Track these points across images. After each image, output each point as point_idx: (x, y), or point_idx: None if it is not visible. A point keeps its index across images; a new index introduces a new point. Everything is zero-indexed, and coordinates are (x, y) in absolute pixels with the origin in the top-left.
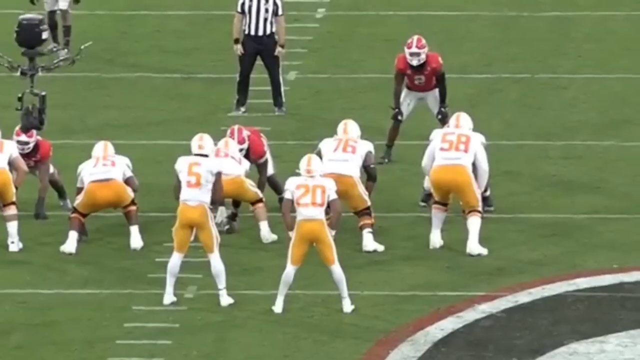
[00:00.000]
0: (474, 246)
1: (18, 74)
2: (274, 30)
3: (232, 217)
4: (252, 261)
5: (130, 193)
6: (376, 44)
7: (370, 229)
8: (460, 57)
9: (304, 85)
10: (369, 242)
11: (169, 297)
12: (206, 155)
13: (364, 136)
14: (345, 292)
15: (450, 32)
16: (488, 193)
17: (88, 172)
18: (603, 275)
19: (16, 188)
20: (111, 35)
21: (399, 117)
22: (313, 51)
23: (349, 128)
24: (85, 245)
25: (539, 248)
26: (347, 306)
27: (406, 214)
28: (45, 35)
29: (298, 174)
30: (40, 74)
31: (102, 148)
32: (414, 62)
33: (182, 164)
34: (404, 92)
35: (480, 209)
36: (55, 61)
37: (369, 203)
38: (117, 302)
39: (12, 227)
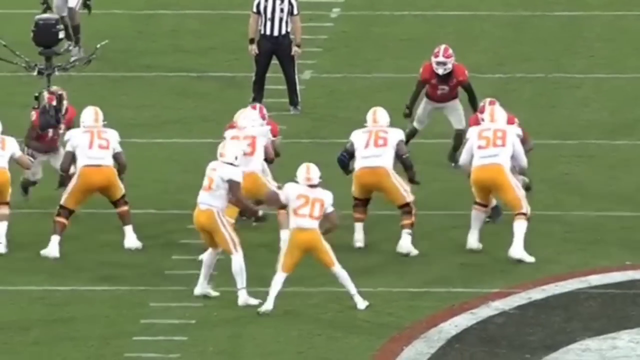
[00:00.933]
0: (516, 251)
1: (35, 73)
2: (289, 30)
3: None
4: (269, 259)
5: (121, 186)
6: (390, 44)
7: (409, 230)
8: (473, 57)
9: (318, 85)
10: (404, 244)
11: (198, 289)
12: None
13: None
14: (353, 289)
15: (464, 32)
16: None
17: (84, 153)
18: (615, 272)
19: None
20: (128, 35)
21: (410, 120)
22: (328, 50)
23: (378, 116)
24: (101, 243)
25: (552, 245)
26: (360, 303)
27: (420, 212)
28: (61, 35)
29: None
30: (56, 73)
31: (93, 117)
32: (440, 71)
33: (207, 168)
34: (424, 101)
35: (525, 210)
36: (71, 60)
37: (407, 199)
38: (133, 298)
39: (2, 227)
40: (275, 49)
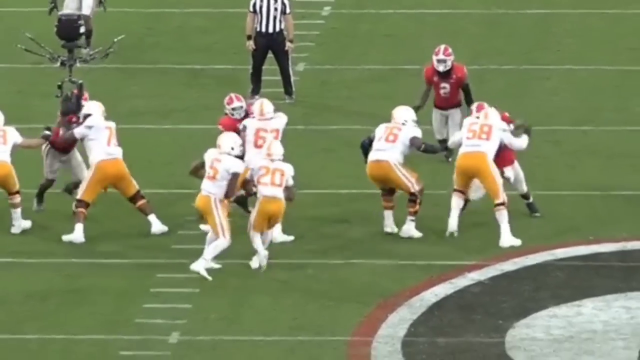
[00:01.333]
0: (505, 240)
1: (58, 64)
2: (282, 27)
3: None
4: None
5: (134, 181)
6: (377, 39)
7: (412, 217)
8: (453, 50)
9: (311, 76)
10: (406, 229)
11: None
12: (227, 154)
13: (365, 122)
14: (260, 248)
15: (444, 28)
16: (532, 200)
17: (102, 149)
18: (580, 246)
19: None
20: (138, 31)
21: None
22: (320, 45)
23: (397, 114)
24: (113, 221)
25: (523, 222)
26: (255, 262)
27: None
28: (82, 29)
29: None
30: (77, 64)
31: (100, 110)
32: (440, 68)
33: (207, 157)
34: (433, 112)
35: (502, 199)
36: (91, 53)
37: (412, 189)
38: (143, 270)
39: (17, 213)
40: (270, 45)
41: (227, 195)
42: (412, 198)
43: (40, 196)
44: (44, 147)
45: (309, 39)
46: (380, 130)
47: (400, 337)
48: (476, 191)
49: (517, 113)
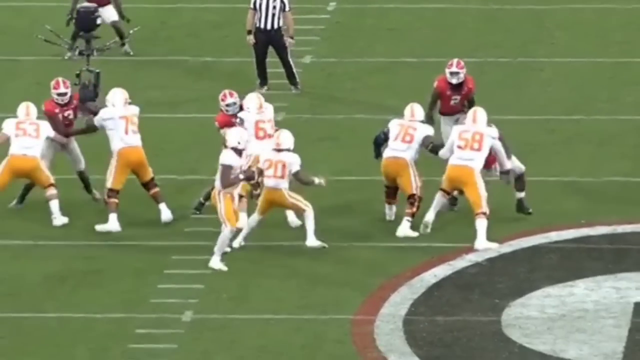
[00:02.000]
0: (480, 244)
1: (76, 54)
2: (281, 24)
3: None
4: (276, 217)
5: (150, 168)
6: (380, 33)
7: (409, 218)
8: (451, 44)
9: (317, 68)
10: (401, 229)
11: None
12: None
13: (368, 112)
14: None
15: (443, 23)
16: (523, 194)
17: (120, 137)
18: (572, 229)
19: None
20: (152, 25)
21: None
22: (325, 39)
23: (415, 112)
24: (128, 208)
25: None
26: (312, 241)
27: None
28: (99, 21)
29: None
30: (95, 54)
31: (122, 97)
32: (454, 81)
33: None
34: (442, 123)
35: (484, 210)
36: (108, 43)
37: (414, 191)
38: (157, 252)
39: (54, 205)
40: (269, 41)
41: (223, 186)
42: (412, 200)
43: (23, 196)
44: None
45: (315, 33)
46: (395, 129)
47: (402, 316)
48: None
49: (513, 103)
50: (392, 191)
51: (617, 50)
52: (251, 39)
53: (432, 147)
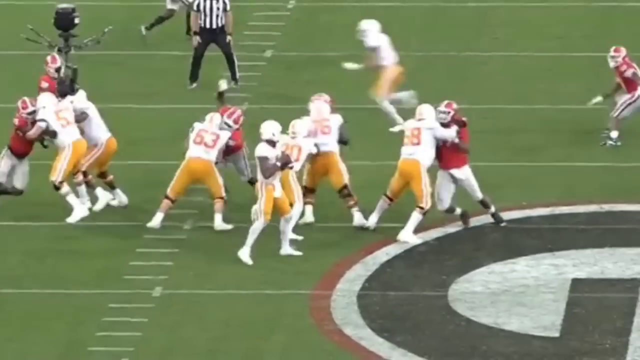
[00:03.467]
0: (403, 235)
1: (55, 51)
2: (224, 23)
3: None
4: (239, 200)
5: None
6: (335, 29)
7: (356, 208)
8: (401, 39)
9: (277, 61)
10: (357, 219)
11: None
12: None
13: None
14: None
15: (394, 19)
16: (493, 209)
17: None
18: (514, 210)
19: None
20: (123, 22)
21: None
22: (285, 34)
23: (322, 109)
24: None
25: (463, 189)
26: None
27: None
28: (77, 20)
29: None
30: (72, 51)
31: (81, 96)
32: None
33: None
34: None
35: (424, 204)
36: (84, 41)
37: (346, 181)
38: (129, 232)
39: (82, 190)
40: (213, 39)
41: (265, 177)
42: (347, 192)
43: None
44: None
45: (276, 29)
46: (307, 125)
47: (356, 291)
48: None
49: (458, 93)
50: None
51: (556, 44)
52: (197, 39)
53: (343, 139)
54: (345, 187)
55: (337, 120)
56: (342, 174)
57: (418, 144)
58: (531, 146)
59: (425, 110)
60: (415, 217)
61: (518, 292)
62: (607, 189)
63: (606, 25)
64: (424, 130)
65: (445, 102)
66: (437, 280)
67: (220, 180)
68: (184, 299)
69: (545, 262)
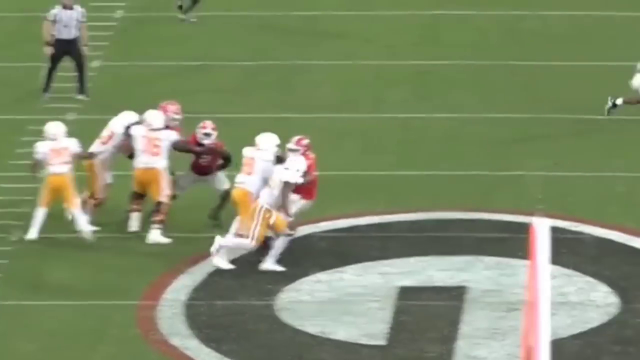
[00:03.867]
0: (152, 237)
1: None
2: (78, 34)
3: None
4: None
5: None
6: (164, 38)
7: (157, 225)
8: (231, 49)
9: (105, 72)
10: (151, 237)
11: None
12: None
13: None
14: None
15: (221, 29)
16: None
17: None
18: (342, 219)
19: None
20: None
21: None
22: (113, 44)
23: (153, 120)
24: None
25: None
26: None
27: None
28: None
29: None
30: None
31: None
32: None
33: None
34: None
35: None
36: None
37: (162, 198)
38: None
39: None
40: (68, 50)
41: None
42: (159, 208)
43: None
44: None
45: (103, 38)
46: (140, 141)
47: (183, 301)
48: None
49: (286, 103)
50: (139, 196)
51: (384, 53)
52: (50, 49)
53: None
54: (159, 203)
55: (170, 136)
56: (161, 190)
57: (250, 173)
58: (359, 155)
59: (264, 141)
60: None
61: (345, 301)
62: (432, 197)
63: (432, 33)
64: (257, 160)
65: (296, 138)
66: (264, 289)
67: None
68: (11, 309)
69: (372, 271)
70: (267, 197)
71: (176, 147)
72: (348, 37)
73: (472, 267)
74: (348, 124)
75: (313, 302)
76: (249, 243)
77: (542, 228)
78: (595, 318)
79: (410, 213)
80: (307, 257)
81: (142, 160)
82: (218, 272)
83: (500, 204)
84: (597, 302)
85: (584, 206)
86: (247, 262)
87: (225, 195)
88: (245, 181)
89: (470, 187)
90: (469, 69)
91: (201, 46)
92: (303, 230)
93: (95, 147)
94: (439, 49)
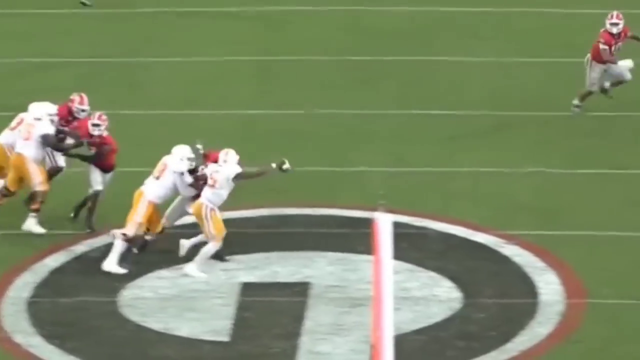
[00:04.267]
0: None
1: None
2: None
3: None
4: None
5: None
6: (8, 35)
7: (34, 214)
8: (72, 46)
9: None
10: (28, 224)
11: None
12: None
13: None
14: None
15: (68, 27)
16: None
17: None
18: (184, 217)
19: None
20: None
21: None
22: None
23: (34, 109)
24: None
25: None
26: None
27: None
28: None
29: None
30: None
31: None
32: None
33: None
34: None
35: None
36: None
37: (36, 188)
38: None
39: None
40: None
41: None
42: (33, 196)
43: None
44: None
45: None
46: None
47: (25, 298)
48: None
49: (133, 98)
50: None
51: (226, 50)
52: None
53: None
54: (34, 192)
55: (42, 129)
56: (32, 179)
57: (158, 177)
58: (260, 151)
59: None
60: (119, 245)
61: (188, 297)
62: (275, 193)
63: (276, 29)
64: (168, 170)
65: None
66: (108, 286)
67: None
68: None
69: (216, 267)
70: (211, 196)
71: (45, 141)
72: (190, 34)
73: (315, 263)
74: (192, 121)
75: (156, 299)
76: (213, 245)
77: (384, 223)
78: (438, 313)
79: (254, 209)
80: (150, 253)
81: (17, 145)
82: (60, 270)
83: (343, 200)
84: (441, 297)
85: (428, 201)
86: (91, 259)
87: (93, 197)
88: (146, 183)
89: (312, 183)
90: (312, 64)
91: (41, 44)
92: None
93: (3, 135)
94: (283, 46)
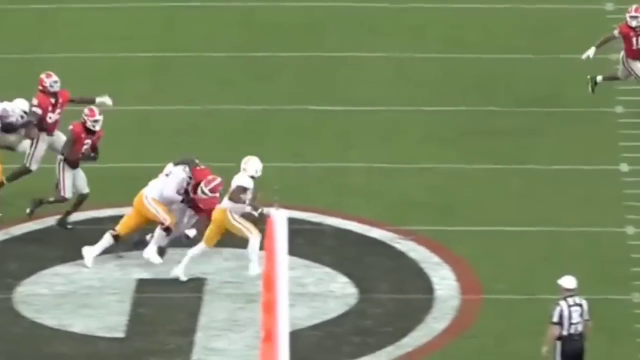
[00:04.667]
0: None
1: None
2: None
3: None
4: None
5: None
6: None
7: None
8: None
9: None
10: None
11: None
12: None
13: None
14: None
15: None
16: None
17: None
18: (82, 212)
19: None
20: None
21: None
22: None
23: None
24: None
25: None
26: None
27: None
28: None
29: None
30: None
31: None
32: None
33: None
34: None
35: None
36: None
37: None
38: None
39: None
40: None
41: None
42: None
43: None
44: None
45: None
46: None
47: None
48: None
49: (22, 96)
50: None
51: (120, 45)
52: None
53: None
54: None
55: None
56: None
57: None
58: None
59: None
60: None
61: (83, 294)
62: None
63: (168, 25)
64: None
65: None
66: (3, 282)
67: None
68: None
69: (111, 264)
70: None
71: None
72: (83, 29)
73: (210, 258)
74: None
75: (51, 295)
76: (254, 240)
77: (279, 219)
78: (334, 309)
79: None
80: (47, 250)
81: None
82: None
83: None
84: (336, 292)
85: (323, 197)
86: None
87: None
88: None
89: None
90: (207, 60)
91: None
92: (46, 222)
93: None
94: (176, 42)
